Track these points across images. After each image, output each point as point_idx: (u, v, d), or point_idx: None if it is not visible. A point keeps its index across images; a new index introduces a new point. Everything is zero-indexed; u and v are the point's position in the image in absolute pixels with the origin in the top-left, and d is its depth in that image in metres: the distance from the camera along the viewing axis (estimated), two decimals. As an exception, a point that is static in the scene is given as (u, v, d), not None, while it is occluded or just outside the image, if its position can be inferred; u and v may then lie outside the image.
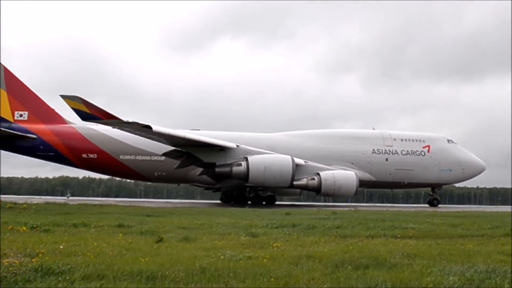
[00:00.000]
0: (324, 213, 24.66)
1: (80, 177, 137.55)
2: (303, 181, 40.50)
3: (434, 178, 47.33)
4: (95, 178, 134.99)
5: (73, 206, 27.04)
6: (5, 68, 43.11)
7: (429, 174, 46.91)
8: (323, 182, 40.51)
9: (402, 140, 47.38)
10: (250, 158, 38.35)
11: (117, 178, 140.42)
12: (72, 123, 45.10)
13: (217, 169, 38.72)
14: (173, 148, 39.48)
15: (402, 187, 50.75)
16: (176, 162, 40.82)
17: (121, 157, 43.75)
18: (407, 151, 46.55)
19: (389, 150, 46.26)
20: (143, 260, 8.90)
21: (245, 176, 37.86)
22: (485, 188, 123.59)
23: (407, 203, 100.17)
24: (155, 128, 35.91)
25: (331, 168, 42.47)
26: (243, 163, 38.07)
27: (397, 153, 46.26)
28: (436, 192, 48.95)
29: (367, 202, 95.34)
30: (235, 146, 39.48)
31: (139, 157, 43.72)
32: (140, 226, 15.52)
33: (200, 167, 40.88)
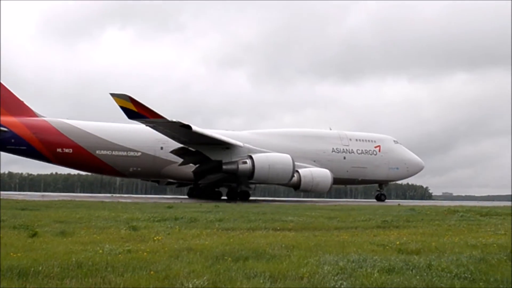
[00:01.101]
0: (206, 207, 24.72)
1: None
2: None
3: (384, 176, 51.31)
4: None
5: None
6: None
7: (379, 172, 50.71)
8: (302, 179, 42.94)
9: (357, 140, 50.79)
10: (254, 156, 39.92)
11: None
12: (43, 116, 43.87)
13: (224, 167, 40.02)
14: (181, 145, 40.70)
15: (356, 184, 54.25)
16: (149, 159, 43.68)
17: (97, 152, 43.33)
18: (362, 150, 50.04)
19: (346, 149, 49.45)
20: (14, 255, 8.40)
21: (250, 173, 39.52)
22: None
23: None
24: (195, 128, 37.57)
25: (309, 166, 44.74)
26: (248, 161, 39.61)
27: (353, 152, 49.58)
28: (383, 188, 53.52)
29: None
30: (242, 145, 41.17)
31: (115, 153, 43.68)
32: (13, 220, 14.66)
33: (195, 164, 42.27)
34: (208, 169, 41.87)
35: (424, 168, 54.75)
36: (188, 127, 36.90)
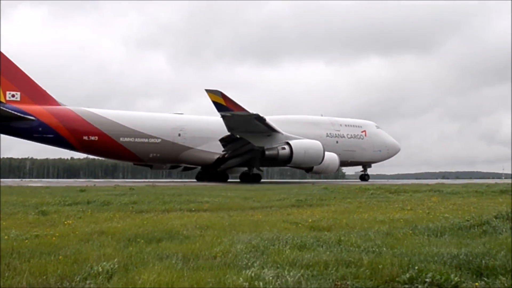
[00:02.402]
0: (121, 189, 24.36)
1: None
2: None
3: (369, 158, 56.54)
4: None
5: None
6: None
7: (366, 154, 55.88)
8: None
9: (346, 125, 55.70)
10: (292, 142, 44.28)
11: None
12: (64, 105, 45.25)
13: (267, 152, 44.23)
14: (228, 133, 44.38)
15: (346, 165, 59.31)
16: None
17: (121, 139, 45.75)
18: (351, 135, 54.98)
19: (338, 134, 54.22)
20: None
21: (289, 158, 43.95)
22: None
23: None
24: (268, 121, 42.89)
25: None
26: (287, 147, 44.05)
27: (344, 137, 54.35)
28: (366, 169, 58.30)
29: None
30: (282, 133, 45.57)
31: (137, 139, 46.37)
32: None
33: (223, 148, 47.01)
34: (241, 153, 46.62)
35: (400, 150, 60.11)
36: (263, 120, 41.92)
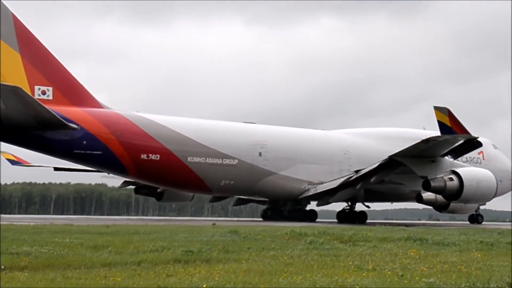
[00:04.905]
0: None
1: None
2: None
3: None
4: None
5: None
6: (16, 20, 42.02)
7: None
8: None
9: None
10: (461, 171, 50.19)
11: None
12: (109, 107, 46.71)
13: (433, 184, 49.81)
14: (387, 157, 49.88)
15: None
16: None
17: (189, 159, 49.01)
18: (466, 158, 59.02)
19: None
20: None
21: (457, 192, 49.81)
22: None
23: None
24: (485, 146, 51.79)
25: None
26: (454, 177, 49.92)
27: (458, 161, 56.79)
28: (479, 206, 62.14)
29: None
30: (449, 158, 51.54)
31: (209, 160, 49.83)
32: None
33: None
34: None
35: None
36: (479, 145, 50.16)
